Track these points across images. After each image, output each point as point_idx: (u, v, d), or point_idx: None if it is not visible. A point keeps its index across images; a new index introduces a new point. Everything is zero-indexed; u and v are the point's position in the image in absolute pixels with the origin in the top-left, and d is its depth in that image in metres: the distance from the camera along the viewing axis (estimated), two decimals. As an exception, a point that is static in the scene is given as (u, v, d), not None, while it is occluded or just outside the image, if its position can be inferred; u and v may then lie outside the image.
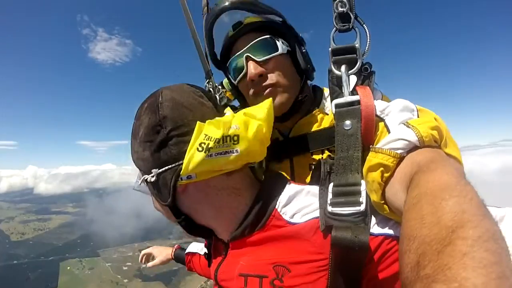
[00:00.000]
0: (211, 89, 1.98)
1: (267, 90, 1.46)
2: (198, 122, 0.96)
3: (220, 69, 1.69)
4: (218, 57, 1.65)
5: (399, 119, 1.07)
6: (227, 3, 1.45)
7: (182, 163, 0.97)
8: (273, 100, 1.34)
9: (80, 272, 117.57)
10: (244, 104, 1.64)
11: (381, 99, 1.34)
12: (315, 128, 1.55)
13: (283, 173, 1.40)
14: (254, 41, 1.46)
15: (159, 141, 1.03)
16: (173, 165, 1.02)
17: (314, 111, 1.57)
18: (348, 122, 1.10)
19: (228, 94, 1.88)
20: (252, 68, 1.44)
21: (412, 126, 0.93)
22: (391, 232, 0.93)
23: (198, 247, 2.36)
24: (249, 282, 1.05)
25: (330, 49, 1.30)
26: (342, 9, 1.27)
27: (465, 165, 1.04)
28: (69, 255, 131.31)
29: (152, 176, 1.04)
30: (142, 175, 1.08)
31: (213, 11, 1.50)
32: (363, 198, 0.97)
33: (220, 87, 1.93)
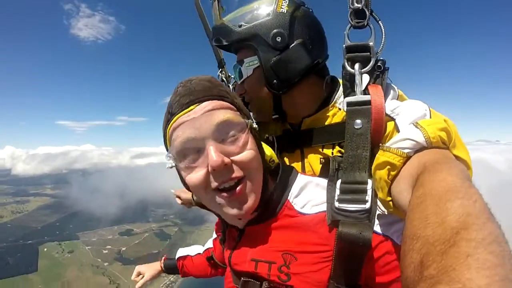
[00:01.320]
0: (224, 78, 2.18)
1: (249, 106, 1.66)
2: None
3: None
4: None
5: (409, 119, 1.10)
6: (213, 35, 1.67)
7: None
8: (253, 114, 1.68)
9: (59, 256, 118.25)
10: None
11: (397, 97, 1.38)
12: (327, 122, 1.56)
13: (293, 162, 1.66)
14: (234, 64, 1.65)
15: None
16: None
17: (325, 109, 1.58)
18: (358, 121, 1.13)
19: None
20: (237, 88, 1.70)
21: (421, 126, 0.96)
22: (393, 237, 1.00)
23: (186, 251, 2.43)
24: (259, 266, 1.13)
25: (344, 46, 1.29)
26: (358, 5, 1.25)
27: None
28: (48, 238, 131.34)
29: (256, 124, 1.21)
30: (245, 118, 1.16)
31: (211, 36, 1.71)
32: (368, 197, 1.02)
33: (233, 76, 2.05)
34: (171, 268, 2.47)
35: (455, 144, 0.95)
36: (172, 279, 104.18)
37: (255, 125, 1.15)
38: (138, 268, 2.54)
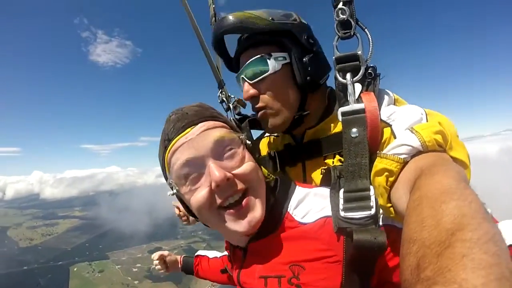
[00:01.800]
0: (224, 98, 2.16)
1: (260, 113, 1.55)
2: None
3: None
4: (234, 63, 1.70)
5: (405, 125, 1.12)
6: (226, 25, 1.48)
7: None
8: (266, 122, 1.57)
9: (90, 275, 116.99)
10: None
11: (393, 101, 1.41)
12: (329, 133, 1.56)
13: (295, 175, 1.65)
14: (248, 62, 1.51)
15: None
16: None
17: (327, 119, 1.58)
18: (354, 129, 1.13)
19: (240, 101, 2.04)
20: (245, 91, 1.54)
21: (416, 131, 0.97)
22: (394, 223, 1.03)
23: (206, 252, 2.43)
24: (269, 283, 1.11)
25: (333, 57, 1.31)
26: (343, 16, 1.28)
27: (469, 151, 1.03)
28: (78, 258, 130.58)
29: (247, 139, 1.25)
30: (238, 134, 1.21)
31: (216, 30, 1.56)
32: (373, 203, 1.01)
33: (233, 96, 2.12)
34: (188, 265, 2.50)
35: (452, 145, 0.96)
36: None
37: (248, 142, 1.20)
38: (160, 251, 2.64)
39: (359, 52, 1.27)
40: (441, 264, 0.50)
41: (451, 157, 0.94)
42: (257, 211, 1.12)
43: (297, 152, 1.68)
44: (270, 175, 1.47)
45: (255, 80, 1.50)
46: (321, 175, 1.49)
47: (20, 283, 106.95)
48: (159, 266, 2.51)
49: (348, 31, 1.29)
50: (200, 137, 1.08)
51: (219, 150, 1.10)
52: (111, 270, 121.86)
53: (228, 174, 1.06)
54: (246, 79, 1.53)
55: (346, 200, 1.06)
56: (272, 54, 1.48)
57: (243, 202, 1.10)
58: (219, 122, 1.17)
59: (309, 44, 1.52)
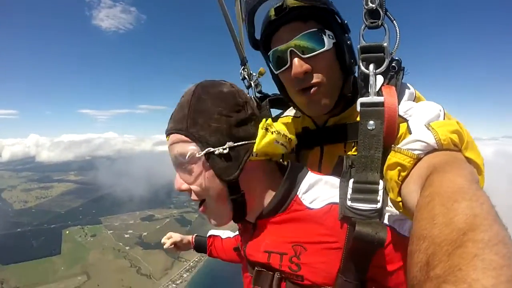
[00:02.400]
0: (246, 76, 2.16)
1: (313, 90, 1.44)
2: (270, 119, 1.19)
3: (257, 49, 1.65)
4: (258, 38, 1.58)
5: (422, 121, 1.10)
6: None
7: (254, 142, 1.15)
8: (317, 101, 1.47)
9: (82, 239, 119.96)
10: (283, 93, 1.63)
11: (414, 98, 1.40)
12: (350, 121, 1.54)
13: (311, 159, 1.65)
14: (299, 36, 1.39)
15: (240, 119, 1.18)
16: (248, 142, 1.16)
17: (351, 108, 1.56)
18: (371, 122, 1.14)
19: (261, 71, 2.01)
20: (298, 66, 1.40)
21: (432, 128, 0.95)
22: (395, 227, 1.06)
23: (218, 232, 2.40)
24: (272, 257, 1.19)
25: (358, 46, 1.29)
26: (372, 5, 1.24)
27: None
28: (71, 222, 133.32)
29: (225, 149, 1.13)
30: (204, 147, 1.15)
31: None
32: (380, 197, 1.04)
33: (254, 74, 2.09)
34: (200, 245, 2.50)
35: (468, 146, 0.95)
36: (191, 264, 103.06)
37: (218, 151, 1.14)
38: (170, 233, 2.62)
39: (385, 44, 1.24)
40: (451, 263, 0.51)
41: (466, 157, 0.92)
42: (214, 217, 1.28)
43: (317, 136, 1.66)
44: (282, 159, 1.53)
45: (308, 55, 1.40)
46: (335, 162, 1.49)
47: (14, 245, 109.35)
48: (170, 247, 2.49)
49: (376, 21, 1.25)
50: (170, 149, 1.22)
51: (179, 164, 1.21)
52: (103, 235, 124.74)
53: (183, 187, 1.21)
54: (297, 53, 1.40)
55: (355, 191, 1.09)
56: (326, 31, 1.41)
57: (200, 209, 1.27)
58: (181, 136, 1.17)
59: (347, 29, 1.50)
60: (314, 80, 1.42)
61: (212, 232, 2.44)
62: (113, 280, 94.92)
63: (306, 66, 1.40)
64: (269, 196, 1.25)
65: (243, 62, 2.18)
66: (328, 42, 1.40)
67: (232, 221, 1.32)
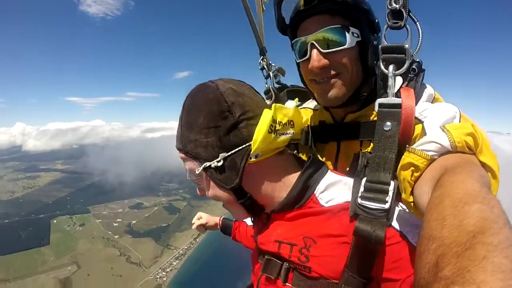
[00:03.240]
0: (265, 66, 2.17)
1: (325, 79, 1.45)
2: (267, 108, 1.13)
3: (284, 34, 1.65)
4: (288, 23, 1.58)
5: (437, 122, 1.11)
6: None
7: (250, 144, 1.11)
8: (327, 92, 1.47)
9: (71, 229, 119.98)
10: (303, 83, 1.65)
11: (433, 98, 1.41)
12: (368, 119, 1.54)
13: (328, 153, 1.67)
14: (323, 29, 1.39)
15: (229, 125, 1.13)
16: (243, 146, 1.13)
17: (369, 106, 1.55)
18: (388, 123, 1.15)
19: (280, 69, 2.05)
20: (316, 60, 1.41)
21: (447, 130, 0.96)
22: (408, 236, 1.04)
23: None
24: (282, 247, 1.21)
25: (380, 46, 1.29)
26: (395, 5, 1.24)
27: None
28: (59, 212, 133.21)
29: (219, 161, 1.14)
30: (201, 163, 1.16)
31: None
32: (389, 198, 1.05)
33: (273, 64, 2.11)
34: (226, 227, 2.63)
35: (482, 150, 0.94)
36: (198, 239, 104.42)
37: (214, 165, 1.15)
38: (200, 213, 2.81)
39: (406, 46, 1.24)
40: (460, 264, 0.51)
41: (480, 161, 0.92)
42: (234, 215, 1.36)
43: (334, 131, 1.66)
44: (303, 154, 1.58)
45: (328, 51, 1.40)
46: (352, 159, 1.51)
47: (1, 237, 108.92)
48: (198, 229, 2.77)
49: (399, 21, 1.25)
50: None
51: (191, 179, 1.28)
52: (92, 224, 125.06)
53: (201, 194, 1.32)
54: (317, 46, 1.41)
55: (366, 189, 1.11)
56: (350, 28, 1.40)
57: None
58: (182, 155, 1.24)
59: (376, 28, 1.49)
60: (330, 75, 1.43)
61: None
62: (103, 269, 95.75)
63: (323, 62, 1.40)
64: (284, 191, 1.24)
65: (262, 52, 2.17)
66: (350, 40, 1.38)
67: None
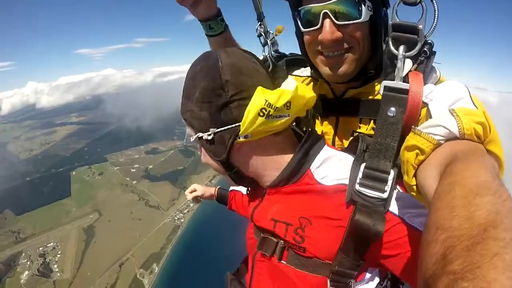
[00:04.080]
0: (262, 32, 2.06)
1: (336, 53, 1.38)
2: (259, 88, 1.08)
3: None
4: None
5: (444, 105, 1.04)
6: None
7: (240, 125, 1.10)
8: (338, 68, 1.41)
9: (90, 178, 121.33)
10: (304, 52, 1.54)
11: (437, 80, 1.32)
12: (371, 97, 1.49)
13: (326, 127, 1.64)
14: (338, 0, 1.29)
15: (220, 104, 1.12)
16: (232, 125, 1.13)
17: (372, 83, 1.51)
18: (393, 109, 1.09)
19: (279, 29, 1.96)
20: (328, 32, 1.32)
21: (457, 115, 0.89)
22: (405, 218, 1.03)
23: (239, 188, 2.42)
24: (278, 226, 1.22)
25: (390, 22, 1.20)
26: None
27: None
28: (77, 163, 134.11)
29: (209, 135, 1.16)
30: (195, 133, 1.20)
31: None
32: (388, 187, 1.04)
33: (271, 32, 2.01)
34: (222, 197, 2.68)
35: (491, 139, 0.89)
36: (213, 181, 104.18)
37: (206, 136, 1.17)
38: (194, 185, 2.90)
39: (420, 26, 1.14)
40: (471, 259, 0.49)
41: (488, 150, 0.88)
42: (227, 181, 1.37)
43: (334, 105, 1.62)
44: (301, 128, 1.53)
45: (341, 23, 1.31)
46: (351, 137, 1.47)
47: (25, 195, 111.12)
48: (192, 200, 2.80)
49: None
50: None
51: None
52: (110, 172, 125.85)
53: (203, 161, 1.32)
54: (331, 17, 1.30)
55: (364, 176, 1.08)
56: (366, 1, 1.31)
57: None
58: (183, 120, 1.26)
59: (387, 2, 1.41)
60: (342, 48, 1.36)
61: (234, 187, 2.45)
62: (123, 214, 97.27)
63: (337, 34, 1.32)
64: (277, 169, 1.23)
65: (260, 18, 2.05)
66: (365, 13, 1.30)
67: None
